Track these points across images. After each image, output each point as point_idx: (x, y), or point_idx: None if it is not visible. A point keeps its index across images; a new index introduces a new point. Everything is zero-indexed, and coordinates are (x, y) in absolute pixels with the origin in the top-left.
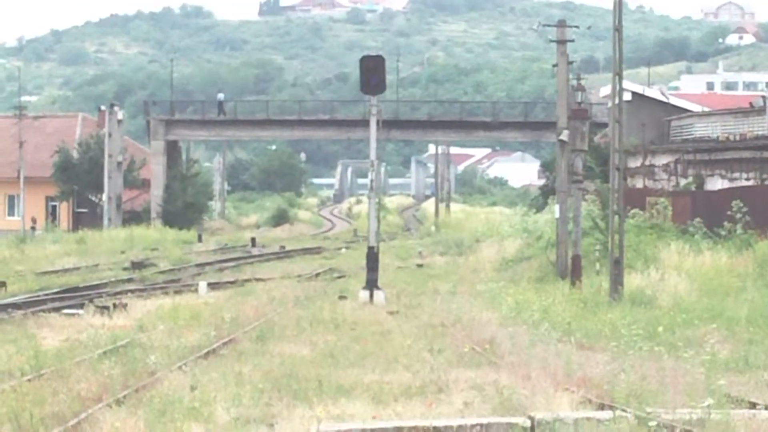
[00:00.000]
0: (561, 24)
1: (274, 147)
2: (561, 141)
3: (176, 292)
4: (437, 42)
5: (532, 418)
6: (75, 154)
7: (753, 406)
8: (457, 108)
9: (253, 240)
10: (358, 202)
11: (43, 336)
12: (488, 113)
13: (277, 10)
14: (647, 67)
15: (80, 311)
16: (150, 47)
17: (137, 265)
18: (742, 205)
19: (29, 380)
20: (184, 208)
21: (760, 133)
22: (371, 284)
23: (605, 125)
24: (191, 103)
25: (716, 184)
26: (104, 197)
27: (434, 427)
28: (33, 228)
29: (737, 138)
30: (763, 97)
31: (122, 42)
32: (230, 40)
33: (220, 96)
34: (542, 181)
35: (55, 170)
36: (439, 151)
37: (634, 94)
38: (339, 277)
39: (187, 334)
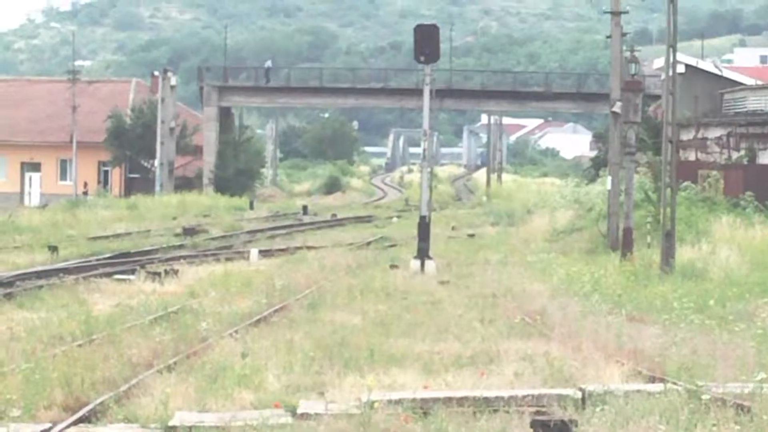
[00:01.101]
0: None
1: (326, 114)
2: (614, 113)
3: (227, 259)
4: (490, 11)
5: (582, 390)
6: (128, 120)
7: None
8: (510, 78)
9: (304, 207)
10: (410, 170)
11: (95, 301)
12: (541, 84)
13: None
14: (701, 40)
15: (131, 277)
16: (204, 13)
17: (189, 232)
18: None
19: (80, 345)
20: (236, 175)
21: None
22: (422, 253)
23: (658, 97)
24: (244, 70)
25: None
26: (156, 163)
27: (485, 398)
28: (85, 193)
29: None
30: None
31: (176, 7)
32: (284, 6)
33: (268, 63)
34: (594, 153)
35: (108, 135)
36: (492, 121)
37: (687, 66)
38: (390, 246)
39: (239, 301)
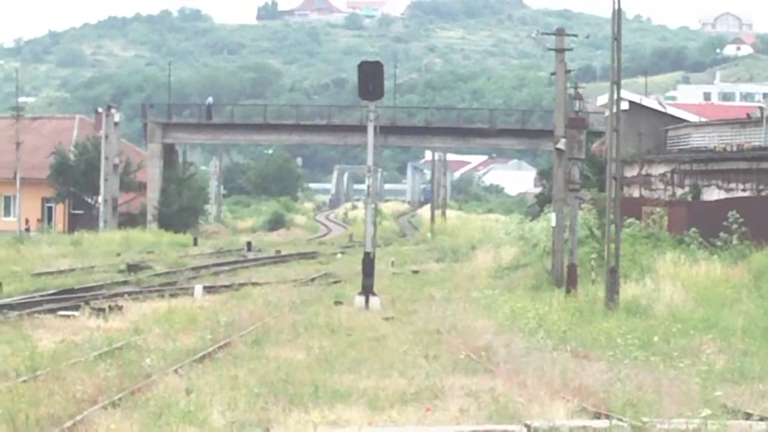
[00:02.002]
0: (559, 32)
1: (270, 151)
2: (558, 149)
3: (172, 295)
4: (435, 48)
5: (528, 426)
6: (71, 156)
7: (749, 416)
8: (454, 115)
9: (249, 244)
10: (354, 207)
11: (39, 337)
12: (485, 120)
13: (275, 15)
14: (644, 77)
15: (76, 313)
16: (147, 50)
17: (133, 268)
18: (738, 215)
19: (25, 381)
20: (179, 212)
21: (757, 143)
22: (367, 290)
23: (602, 134)
24: (188, 107)
25: (713, 194)
26: (100, 199)
27: None
28: (27, 229)
29: (734, 149)
30: (760, 108)
31: (120, 44)
32: (228, 43)
33: (210, 100)
34: (539, 189)
35: (52, 172)
36: (436, 158)
37: (631, 103)
38: (335, 282)
39: (183, 337)
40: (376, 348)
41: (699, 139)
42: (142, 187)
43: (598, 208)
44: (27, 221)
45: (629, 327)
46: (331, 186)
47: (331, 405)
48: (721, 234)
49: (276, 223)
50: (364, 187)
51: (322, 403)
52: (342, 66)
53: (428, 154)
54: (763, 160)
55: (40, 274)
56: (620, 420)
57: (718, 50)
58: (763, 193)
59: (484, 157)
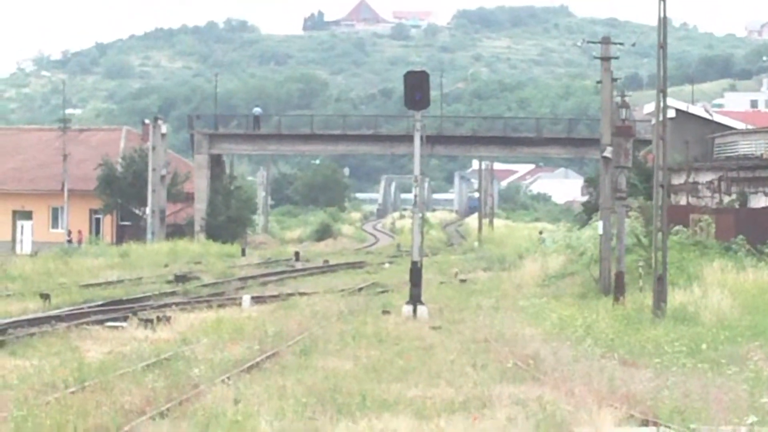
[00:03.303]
0: (605, 41)
1: (317, 161)
2: (605, 158)
3: (220, 306)
4: (481, 57)
5: None
6: (119, 168)
7: None
8: (501, 124)
9: (296, 254)
10: (402, 217)
11: (87, 348)
12: (532, 129)
13: (322, 25)
14: (691, 85)
15: (124, 324)
16: (194, 61)
17: (181, 279)
18: None
19: (73, 392)
20: (227, 222)
21: None
22: (415, 299)
23: (649, 142)
24: (235, 117)
25: (759, 201)
26: (148, 210)
27: None
28: (69, 241)
29: None
30: None
31: (166, 56)
32: (275, 54)
33: (257, 110)
34: (585, 198)
35: (99, 183)
36: (483, 167)
37: (678, 111)
38: (382, 292)
39: (231, 347)
40: (423, 357)
41: (746, 147)
42: (189, 198)
43: (645, 216)
44: (69, 233)
45: (677, 334)
46: (378, 196)
47: (379, 414)
48: None
49: (323, 233)
50: (411, 196)
51: (370, 412)
52: (388, 76)
53: (475, 164)
54: None
55: (87, 286)
56: (668, 427)
57: (765, 57)
58: None
59: (531, 166)
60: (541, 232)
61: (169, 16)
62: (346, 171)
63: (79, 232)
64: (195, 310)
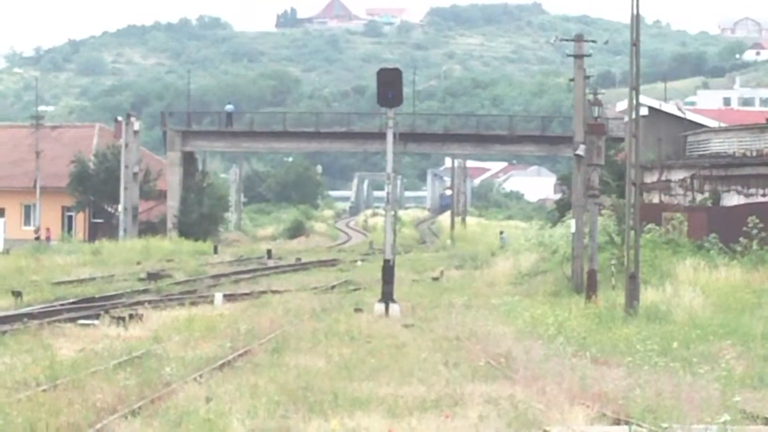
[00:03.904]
0: (578, 38)
1: (290, 159)
2: (577, 155)
3: (192, 304)
4: (454, 55)
5: None
6: (91, 165)
7: None
8: (474, 121)
9: (269, 252)
10: (374, 214)
11: (59, 346)
12: (505, 127)
13: (295, 22)
14: (664, 82)
15: (96, 321)
16: (167, 58)
17: (153, 276)
18: (758, 221)
19: (45, 390)
20: (199, 220)
21: None
22: (387, 297)
23: (621, 140)
24: (208, 115)
25: (732, 199)
26: (120, 208)
27: None
28: (37, 238)
29: (754, 154)
30: None
31: (139, 52)
32: (247, 51)
33: (229, 107)
34: (558, 196)
35: (72, 180)
36: (456, 165)
37: (650, 109)
38: (354, 290)
39: (203, 345)
40: (395, 355)
41: (719, 145)
42: (162, 196)
43: (617, 214)
44: (38, 230)
45: (649, 333)
46: (351, 193)
47: (351, 412)
48: (741, 239)
49: (296, 230)
50: (383, 194)
51: (342, 410)
52: (361, 73)
53: (448, 161)
54: None
55: (60, 283)
56: (639, 426)
57: (737, 55)
58: None
59: (504, 164)
60: (501, 232)
61: (142, 13)
62: (319, 168)
63: (48, 229)
64: (167, 308)
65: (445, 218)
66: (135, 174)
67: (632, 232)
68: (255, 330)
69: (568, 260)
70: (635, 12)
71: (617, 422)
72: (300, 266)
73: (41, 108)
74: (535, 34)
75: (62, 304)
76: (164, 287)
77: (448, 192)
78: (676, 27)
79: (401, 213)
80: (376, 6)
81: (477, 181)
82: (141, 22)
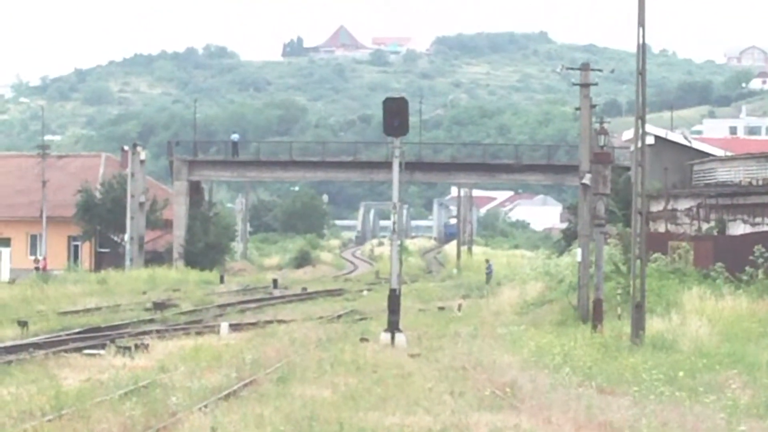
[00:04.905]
0: (584, 67)
1: (296, 188)
2: (583, 184)
3: (198, 333)
4: (460, 84)
5: None
6: (97, 194)
7: None
8: (480, 150)
9: (275, 281)
10: (380, 244)
11: (65, 376)
12: (511, 156)
13: (301, 51)
14: (670, 111)
15: (102, 351)
16: (173, 87)
17: (159, 306)
18: (764, 249)
19: (50, 420)
20: (206, 249)
21: None
22: (393, 326)
23: (628, 169)
24: (214, 144)
25: (738, 228)
26: (126, 237)
27: None
28: (36, 269)
29: (760, 183)
30: None
31: (146, 82)
32: (254, 80)
33: (235, 137)
34: (564, 225)
35: (78, 210)
36: (462, 194)
37: (657, 137)
38: (361, 319)
39: (209, 375)
40: (401, 385)
41: (725, 174)
42: (168, 225)
43: (623, 243)
44: (37, 261)
45: (655, 362)
46: (357, 223)
47: None
48: (747, 268)
49: (302, 260)
50: (390, 223)
51: None
52: (367, 102)
53: (454, 190)
54: None
55: (65, 313)
56: None
57: (743, 84)
58: None
59: (510, 193)
60: (487, 260)
61: (149, 42)
62: (325, 198)
63: (44, 259)
64: (173, 338)
65: (451, 247)
66: (141, 203)
67: (638, 261)
68: (261, 360)
69: (574, 289)
70: (641, 41)
71: None
72: (306, 296)
73: (47, 137)
74: (542, 63)
75: (68, 334)
76: (170, 317)
77: (453, 221)
78: (682, 56)
79: (407, 242)
80: (382, 35)
81: (483, 210)
82: (147, 52)
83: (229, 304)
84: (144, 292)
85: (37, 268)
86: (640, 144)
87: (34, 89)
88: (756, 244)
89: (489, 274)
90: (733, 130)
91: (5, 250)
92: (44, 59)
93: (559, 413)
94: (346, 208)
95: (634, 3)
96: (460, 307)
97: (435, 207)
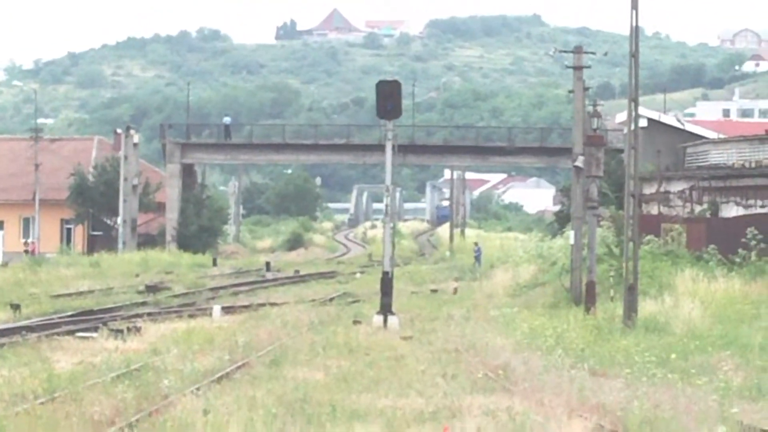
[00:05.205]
0: (577, 50)
1: (289, 171)
2: (576, 167)
3: (190, 316)
4: (453, 67)
5: None
6: (90, 177)
7: None
8: (473, 133)
9: (267, 264)
10: (373, 226)
11: (57, 359)
12: (504, 138)
13: (294, 34)
14: (663, 94)
15: (94, 334)
16: (166, 70)
17: (151, 289)
18: (756, 232)
19: (42, 403)
20: (198, 232)
21: None
22: (385, 309)
23: (621, 151)
24: (207, 127)
25: (731, 211)
26: (119, 220)
27: None
28: (26, 252)
29: (752, 165)
30: None
31: (139, 65)
32: (247, 63)
33: (227, 119)
34: (557, 207)
35: (71, 193)
36: (455, 176)
37: (650, 120)
38: (353, 302)
39: (201, 358)
40: (394, 367)
41: (718, 156)
42: (161, 208)
43: (616, 225)
44: (26, 243)
45: (647, 344)
46: (350, 205)
47: (349, 425)
48: (740, 250)
49: (295, 242)
50: (383, 206)
51: (340, 422)
52: (361, 85)
53: (447, 173)
54: None
55: (58, 296)
56: None
57: (736, 67)
58: None
59: (503, 176)
60: (476, 243)
61: (142, 25)
62: (318, 180)
63: (33, 243)
64: (165, 321)
65: (444, 230)
66: (134, 186)
67: (631, 244)
68: (253, 342)
69: (566, 272)
70: (634, 24)
71: None
72: (299, 278)
73: (40, 120)
74: (535, 46)
75: (60, 317)
76: (163, 300)
77: (445, 203)
78: (675, 38)
79: (400, 225)
80: (375, 18)
81: (476, 193)
82: (140, 35)
83: (221, 287)
84: (137, 275)
85: (26, 251)
86: (633, 126)
87: (27, 72)
88: (749, 227)
89: (478, 257)
90: (726, 113)
91: None
92: (37, 42)
93: (552, 395)
94: (339, 191)
95: None
96: (456, 290)
97: (428, 190)
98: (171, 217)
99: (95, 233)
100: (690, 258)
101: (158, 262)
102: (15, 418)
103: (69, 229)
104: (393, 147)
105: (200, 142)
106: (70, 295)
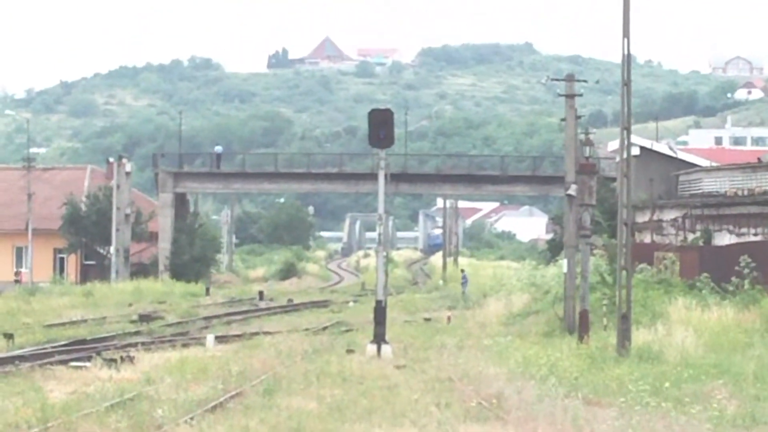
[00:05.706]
0: (569, 78)
1: (282, 200)
2: (569, 195)
3: (184, 345)
4: (446, 95)
5: None
6: (83, 207)
7: None
8: (466, 161)
9: (260, 293)
10: (366, 255)
11: (50, 389)
12: (496, 167)
13: (286, 63)
14: (655, 122)
15: (87, 364)
16: (159, 99)
17: (145, 318)
18: (749, 260)
19: None
20: (191, 261)
21: None
22: (379, 338)
23: (613, 179)
24: (199, 156)
25: (724, 239)
26: (112, 250)
27: None
28: (17, 281)
29: (745, 193)
30: None
31: (131, 94)
32: (239, 92)
33: (218, 149)
34: (550, 236)
35: (63, 222)
36: (447, 205)
37: (642, 148)
38: (347, 331)
39: (195, 387)
40: (387, 396)
41: (710, 184)
42: (153, 237)
43: (609, 254)
44: (17, 273)
45: (641, 373)
46: (343, 234)
47: None
48: (733, 279)
49: (288, 272)
50: (375, 235)
51: None
52: (353, 114)
53: (440, 202)
54: None
55: (51, 326)
56: None
57: (729, 94)
58: None
59: (496, 204)
60: (462, 270)
61: (134, 54)
62: (311, 209)
63: (20, 272)
64: (159, 350)
65: (437, 259)
66: (127, 215)
67: (624, 272)
68: (247, 372)
69: (560, 300)
70: (626, 52)
71: None
72: (292, 307)
73: (33, 150)
74: (527, 74)
75: (54, 347)
76: (156, 329)
77: (437, 231)
78: (667, 66)
79: (393, 254)
80: (367, 46)
81: (469, 222)
82: (132, 64)
83: (215, 316)
84: (130, 305)
85: (17, 281)
86: (625, 155)
87: (19, 102)
88: (741, 255)
89: (464, 284)
90: (718, 141)
91: None
92: (29, 72)
93: (546, 424)
94: (331, 220)
95: (619, 14)
96: (449, 319)
97: (420, 218)
98: (164, 247)
99: (88, 263)
100: (683, 286)
101: (151, 292)
102: None
103: (62, 259)
104: (385, 176)
105: (193, 171)
106: (63, 324)
